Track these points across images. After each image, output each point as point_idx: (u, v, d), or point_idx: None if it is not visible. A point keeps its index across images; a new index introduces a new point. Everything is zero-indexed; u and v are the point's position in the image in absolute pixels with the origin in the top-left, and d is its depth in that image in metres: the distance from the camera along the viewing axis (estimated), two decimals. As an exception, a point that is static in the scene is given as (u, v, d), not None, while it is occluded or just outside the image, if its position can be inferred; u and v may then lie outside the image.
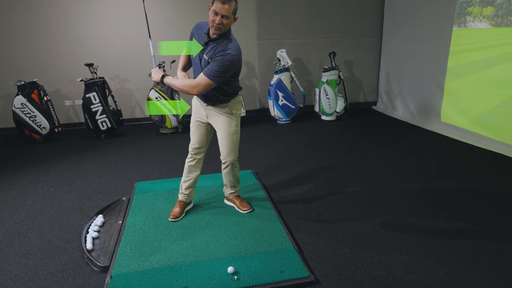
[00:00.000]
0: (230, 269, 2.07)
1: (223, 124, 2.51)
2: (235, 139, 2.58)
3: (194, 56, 2.41)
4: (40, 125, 4.72)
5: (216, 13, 2.16)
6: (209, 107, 2.50)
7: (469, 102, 4.43)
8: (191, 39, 2.43)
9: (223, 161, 2.67)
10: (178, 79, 2.40)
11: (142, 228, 2.57)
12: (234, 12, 2.22)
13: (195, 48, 2.37)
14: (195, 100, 2.60)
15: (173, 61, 5.15)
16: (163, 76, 2.38)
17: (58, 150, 4.53)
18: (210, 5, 2.21)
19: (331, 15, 5.94)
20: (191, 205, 2.87)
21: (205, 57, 2.31)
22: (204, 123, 2.60)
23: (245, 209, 2.78)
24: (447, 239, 2.40)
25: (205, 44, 2.31)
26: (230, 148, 2.58)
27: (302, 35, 5.94)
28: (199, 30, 2.38)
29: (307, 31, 5.94)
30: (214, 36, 2.28)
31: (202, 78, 2.26)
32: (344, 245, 2.36)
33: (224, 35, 2.28)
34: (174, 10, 5.44)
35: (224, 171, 2.74)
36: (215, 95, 2.42)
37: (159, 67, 4.96)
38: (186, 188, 2.75)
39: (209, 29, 2.29)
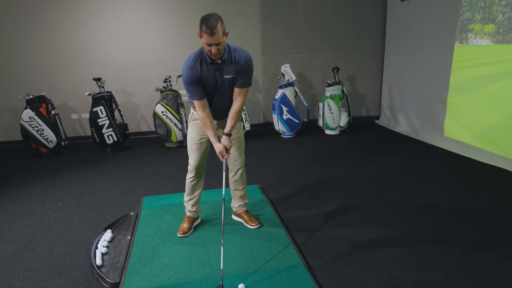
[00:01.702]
0: (241, 287, 2.07)
1: (236, 130, 2.60)
2: (244, 141, 2.72)
3: (211, 88, 2.38)
4: (47, 138, 4.76)
5: (209, 45, 2.19)
6: (224, 118, 2.55)
7: (472, 117, 4.48)
8: (196, 82, 2.32)
9: (234, 166, 2.69)
10: (230, 119, 2.44)
11: (151, 243, 2.58)
12: (224, 32, 2.20)
13: (210, 82, 2.36)
14: (197, 119, 2.55)
15: (180, 76, 5.21)
16: (229, 137, 2.43)
17: (64, 163, 4.57)
18: (199, 34, 2.20)
19: (333, 31, 6.04)
20: (199, 220, 2.89)
21: (228, 76, 2.35)
22: (208, 139, 2.58)
23: (254, 224, 2.79)
24: (454, 254, 2.41)
25: (218, 69, 2.33)
26: (241, 150, 2.70)
27: (305, 51, 6.03)
28: (200, 66, 2.31)
29: (310, 47, 6.03)
30: (220, 60, 2.31)
31: (243, 91, 2.42)
32: (353, 262, 2.37)
33: (225, 51, 2.31)
34: (181, 25, 5.53)
35: (234, 178, 2.75)
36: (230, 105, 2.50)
37: (165, 82, 5.05)
38: (193, 206, 2.77)
39: (210, 57, 2.29)
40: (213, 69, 2.33)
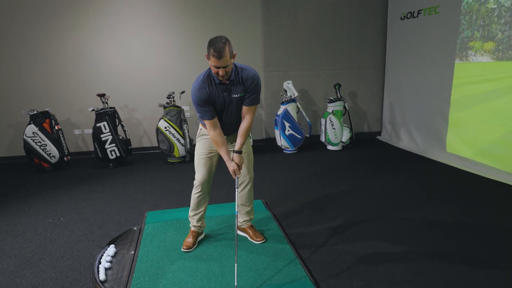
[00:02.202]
0: (247, 302, 2.04)
1: (245, 145, 2.59)
2: (252, 156, 2.72)
3: (220, 107, 2.41)
4: (50, 153, 4.77)
5: (217, 67, 2.21)
6: (232, 134, 2.57)
7: (474, 132, 4.50)
8: (205, 102, 2.34)
9: (242, 181, 2.68)
10: (239, 137, 2.47)
11: (155, 258, 2.55)
12: (231, 55, 2.22)
13: (218, 102, 2.39)
14: (205, 134, 2.58)
15: (183, 92, 5.27)
16: (240, 154, 2.47)
17: (67, 178, 4.55)
18: (207, 55, 2.22)
19: (335, 48, 6.14)
20: (203, 235, 2.86)
21: (236, 95, 2.37)
22: (216, 154, 2.60)
23: (259, 239, 2.76)
24: (460, 270, 2.38)
25: (226, 89, 2.35)
26: (250, 165, 2.69)
27: (307, 67, 6.11)
28: (208, 87, 2.33)
29: (312, 63, 6.12)
30: (228, 81, 2.33)
31: (252, 109, 2.42)
32: (359, 276, 2.33)
33: (232, 71, 2.31)
34: (184, 41, 5.62)
35: (241, 193, 2.72)
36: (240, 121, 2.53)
37: (168, 98, 5.09)
38: (198, 221, 2.75)
39: (217, 78, 2.31)
40: (221, 89, 2.35)
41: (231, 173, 2.47)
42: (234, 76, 2.34)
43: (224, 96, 2.37)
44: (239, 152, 2.47)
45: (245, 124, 2.47)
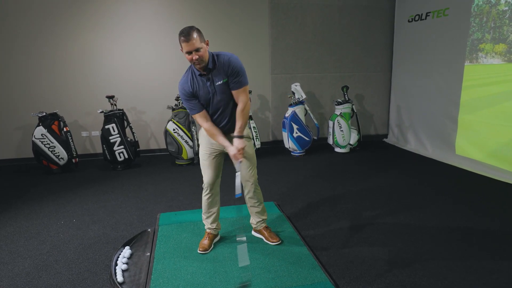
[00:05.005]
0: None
1: (246, 148, 2.54)
2: (255, 158, 2.66)
3: (205, 98, 2.41)
4: (59, 155, 4.75)
5: (189, 53, 2.23)
6: (229, 134, 2.53)
7: (484, 135, 4.49)
8: (190, 96, 2.41)
9: (245, 185, 2.65)
10: (237, 121, 2.44)
11: (171, 260, 2.53)
12: (202, 39, 2.27)
13: (202, 93, 2.40)
14: (206, 134, 2.57)
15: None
16: (241, 138, 2.44)
17: (75, 180, 4.54)
18: (181, 49, 2.28)
19: (341, 50, 6.14)
20: (219, 237, 2.85)
21: (219, 83, 2.35)
22: (219, 154, 2.59)
23: (274, 241, 2.75)
24: (480, 271, 2.36)
25: (208, 79, 2.35)
26: (253, 168, 2.64)
27: (314, 70, 6.11)
28: (191, 83, 2.39)
29: (319, 66, 6.12)
30: (204, 69, 2.33)
31: (241, 91, 2.38)
32: (380, 279, 2.31)
33: (210, 59, 2.33)
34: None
35: (248, 195, 2.71)
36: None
37: (177, 100, 5.08)
38: (212, 223, 2.74)
39: (197, 70, 2.34)
40: (202, 81, 2.37)
41: (232, 158, 2.43)
42: (212, 64, 2.33)
43: (208, 86, 2.37)
44: (240, 136, 2.43)
45: (240, 106, 2.42)
